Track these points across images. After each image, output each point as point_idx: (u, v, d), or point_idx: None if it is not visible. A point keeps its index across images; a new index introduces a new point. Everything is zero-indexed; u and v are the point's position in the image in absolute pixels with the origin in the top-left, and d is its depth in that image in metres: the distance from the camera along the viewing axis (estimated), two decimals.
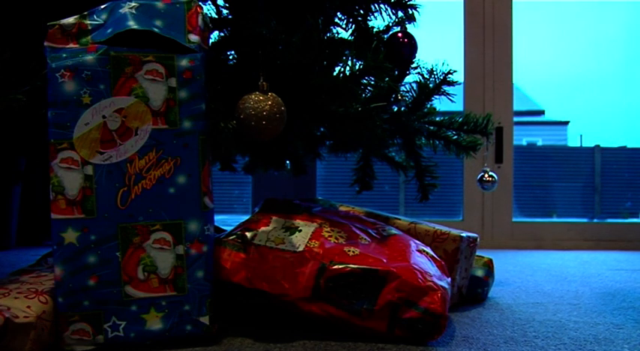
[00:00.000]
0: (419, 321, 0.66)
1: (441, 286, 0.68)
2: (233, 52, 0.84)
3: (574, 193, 2.68)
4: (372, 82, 0.83)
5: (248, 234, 0.72)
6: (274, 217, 0.75)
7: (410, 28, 0.98)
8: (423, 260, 0.72)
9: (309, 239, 0.71)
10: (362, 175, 1.11)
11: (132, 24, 0.63)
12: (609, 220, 2.30)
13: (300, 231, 0.72)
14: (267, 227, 0.73)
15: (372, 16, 0.95)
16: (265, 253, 0.70)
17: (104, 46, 0.63)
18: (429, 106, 0.97)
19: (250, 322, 0.77)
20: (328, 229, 0.73)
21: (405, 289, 0.66)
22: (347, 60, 0.81)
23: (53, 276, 0.63)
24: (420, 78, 0.95)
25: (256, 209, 0.81)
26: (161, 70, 0.64)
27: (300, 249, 0.69)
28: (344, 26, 0.92)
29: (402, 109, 0.94)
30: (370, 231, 0.77)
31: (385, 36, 0.98)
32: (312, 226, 0.73)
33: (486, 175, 1.28)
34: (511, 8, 2.13)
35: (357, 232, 0.76)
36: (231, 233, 0.73)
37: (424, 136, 1.03)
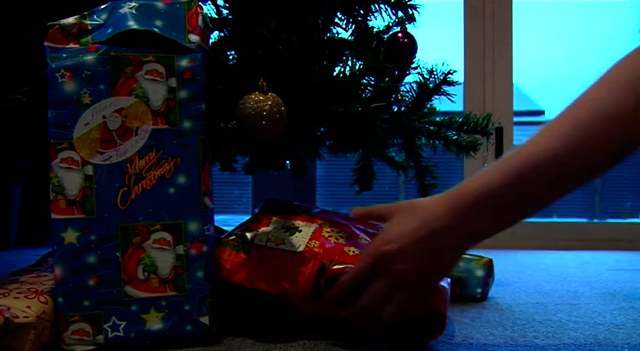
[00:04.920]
0: (419, 320, 0.66)
1: (441, 286, 0.68)
2: (233, 52, 0.84)
3: (574, 193, 2.68)
4: (372, 82, 0.83)
5: (248, 234, 0.72)
6: (274, 218, 0.75)
7: (410, 28, 0.98)
8: None
9: (310, 239, 0.71)
10: (362, 175, 1.11)
11: (132, 24, 0.63)
12: (609, 220, 2.31)
13: (301, 231, 0.72)
14: (267, 228, 0.73)
15: (372, 16, 0.95)
16: (265, 254, 0.70)
17: (104, 46, 0.63)
18: (429, 106, 0.97)
19: (250, 322, 0.77)
20: (328, 230, 0.73)
21: None
22: (347, 60, 0.81)
23: (53, 276, 0.63)
24: (420, 78, 0.95)
25: (256, 210, 0.81)
26: (161, 70, 0.64)
27: (301, 249, 0.69)
28: (344, 26, 0.92)
29: (402, 109, 0.94)
30: (370, 231, 0.77)
31: (385, 36, 0.98)
32: (312, 227, 0.73)
33: None
34: (511, 8, 2.13)
35: (357, 232, 0.76)
36: (231, 233, 0.73)
37: (424, 136, 1.03)
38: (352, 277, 0.63)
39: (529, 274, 1.32)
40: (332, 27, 0.91)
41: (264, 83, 0.69)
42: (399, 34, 0.96)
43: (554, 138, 0.56)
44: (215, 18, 0.84)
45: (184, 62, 0.64)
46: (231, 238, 0.72)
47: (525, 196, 0.58)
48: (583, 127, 0.55)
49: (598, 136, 0.54)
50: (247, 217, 0.79)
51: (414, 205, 0.63)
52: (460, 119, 1.01)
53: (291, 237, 0.71)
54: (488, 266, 0.99)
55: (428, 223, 0.59)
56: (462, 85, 2.14)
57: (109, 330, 0.62)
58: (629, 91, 0.54)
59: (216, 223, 0.71)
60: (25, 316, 0.58)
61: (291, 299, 0.68)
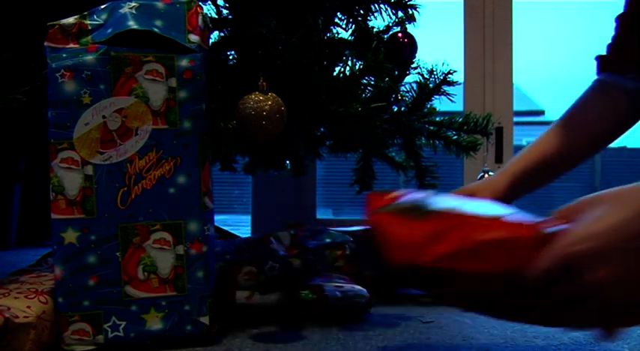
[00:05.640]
0: None
1: None
2: (233, 52, 0.84)
3: (574, 193, 2.68)
4: (372, 82, 0.83)
5: (416, 200, 0.50)
6: None
7: (410, 28, 0.98)
8: None
9: None
10: (362, 175, 1.11)
11: (132, 24, 0.63)
12: None
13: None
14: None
15: (372, 16, 0.95)
16: (455, 219, 0.48)
17: (104, 46, 0.63)
18: (429, 106, 0.97)
19: (250, 322, 0.77)
20: None
21: None
22: (347, 60, 0.81)
23: (53, 276, 0.63)
24: (420, 78, 0.95)
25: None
26: (161, 70, 0.64)
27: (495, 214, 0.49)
28: (344, 26, 0.92)
29: (402, 109, 0.94)
30: None
31: (385, 36, 0.98)
32: None
33: (486, 176, 1.28)
34: (511, 8, 2.13)
35: None
36: (391, 202, 0.51)
37: (424, 136, 1.03)
38: (531, 280, 0.47)
39: None
40: (332, 27, 0.91)
41: (264, 83, 0.69)
42: (399, 34, 0.96)
43: None
44: (215, 18, 0.84)
45: (184, 62, 0.64)
46: (399, 205, 0.50)
47: None
48: None
49: None
50: (247, 217, 0.79)
51: (617, 194, 0.46)
52: (460, 119, 1.01)
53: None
54: None
55: None
56: (462, 85, 2.14)
57: (109, 330, 0.62)
58: None
59: (216, 223, 0.71)
60: (25, 316, 0.58)
61: (523, 281, 0.46)
